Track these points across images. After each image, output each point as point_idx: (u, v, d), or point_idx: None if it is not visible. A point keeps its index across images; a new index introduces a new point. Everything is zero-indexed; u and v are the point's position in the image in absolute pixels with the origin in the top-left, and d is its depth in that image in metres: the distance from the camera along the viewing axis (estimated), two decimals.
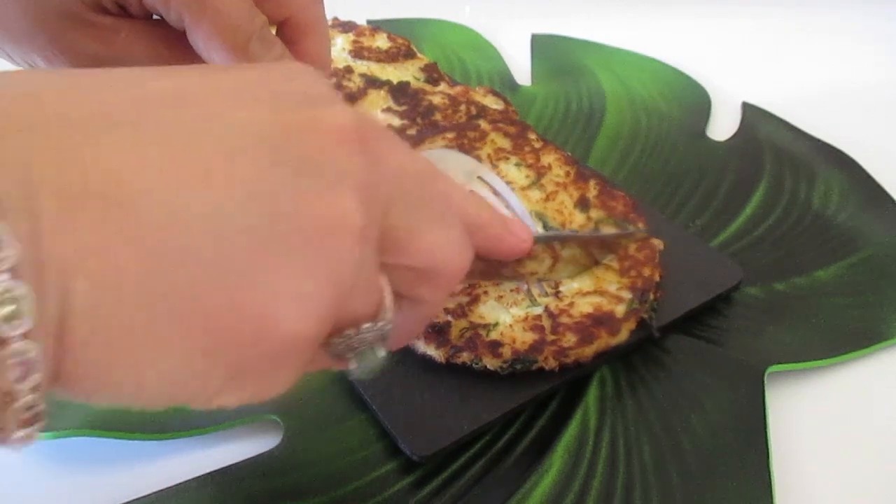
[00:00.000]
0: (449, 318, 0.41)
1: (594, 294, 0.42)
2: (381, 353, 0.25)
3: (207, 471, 0.36)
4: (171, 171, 0.18)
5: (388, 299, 0.24)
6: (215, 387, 0.21)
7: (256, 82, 0.22)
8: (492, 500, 0.36)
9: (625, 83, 0.72)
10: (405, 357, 0.41)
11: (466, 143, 0.52)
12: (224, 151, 0.20)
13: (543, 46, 0.79)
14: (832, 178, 0.58)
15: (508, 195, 0.43)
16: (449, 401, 0.39)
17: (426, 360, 0.40)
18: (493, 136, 0.53)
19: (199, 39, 0.33)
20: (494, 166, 0.51)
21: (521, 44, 0.80)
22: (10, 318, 0.16)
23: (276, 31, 0.37)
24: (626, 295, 0.42)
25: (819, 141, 0.62)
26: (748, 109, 0.67)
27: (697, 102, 0.68)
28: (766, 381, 0.41)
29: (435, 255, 0.25)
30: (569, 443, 0.38)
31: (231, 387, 0.21)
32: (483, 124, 0.55)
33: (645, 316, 0.42)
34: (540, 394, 0.40)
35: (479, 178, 0.43)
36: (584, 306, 0.42)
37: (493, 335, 0.40)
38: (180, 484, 0.36)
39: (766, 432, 0.38)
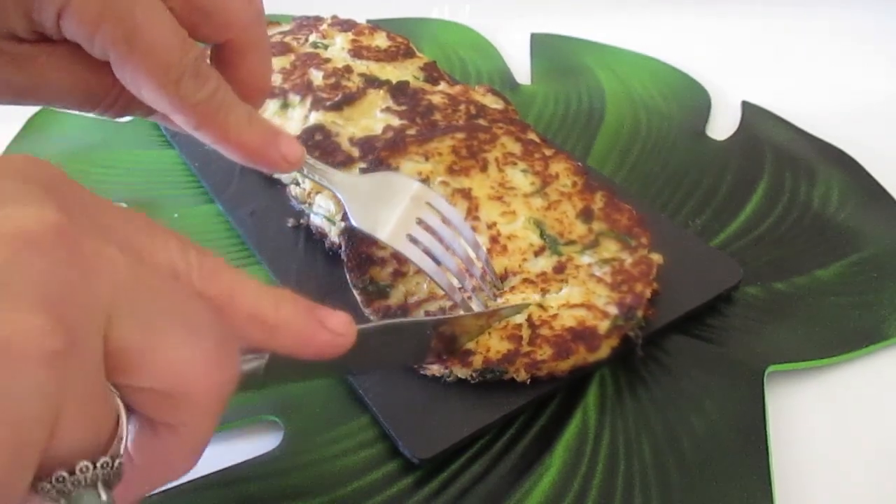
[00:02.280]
0: None
1: (581, 307, 0.41)
2: (104, 496, 0.20)
3: (207, 472, 0.36)
4: None
5: (123, 430, 0.21)
6: None
7: None
8: (492, 499, 0.35)
9: (625, 83, 0.72)
10: None
11: (476, 144, 0.52)
12: None
13: (543, 46, 0.79)
14: (832, 177, 0.58)
15: (459, 223, 0.41)
16: (448, 403, 0.39)
17: None
18: (504, 139, 0.53)
19: (126, 76, 0.30)
20: (500, 170, 0.50)
21: (521, 43, 0.80)
22: None
23: (216, 52, 0.35)
24: (613, 310, 0.41)
25: (819, 141, 0.62)
26: (748, 109, 0.67)
27: (697, 102, 0.68)
28: (766, 381, 0.41)
29: (177, 375, 0.21)
30: (569, 442, 0.38)
31: None
32: (496, 128, 0.54)
33: (630, 334, 0.41)
34: (540, 395, 0.39)
35: (427, 203, 0.40)
36: (568, 319, 0.41)
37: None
38: (180, 485, 0.36)
39: (766, 432, 0.38)
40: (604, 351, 0.40)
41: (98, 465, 0.20)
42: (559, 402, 0.40)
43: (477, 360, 0.39)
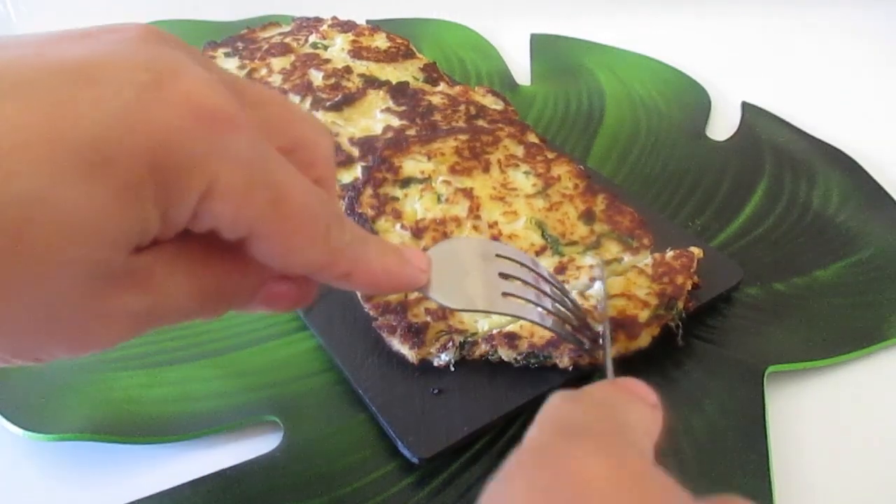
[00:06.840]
0: (428, 318, 0.41)
1: (621, 297, 0.42)
2: None
3: (207, 472, 0.36)
4: None
5: None
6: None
7: None
8: None
9: (625, 83, 0.72)
10: (403, 358, 0.41)
11: (479, 146, 0.52)
12: None
13: (543, 46, 0.79)
14: (832, 178, 0.58)
15: (532, 262, 0.38)
16: (449, 402, 0.39)
17: (425, 362, 0.40)
18: (506, 142, 0.53)
19: (272, 243, 0.26)
20: (503, 171, 0.50)
21: (520, 44, 0.80)
22: None
23: None
24: (653, 300, 0.41)
25: (819, 141, 0.62)
26: (748, 109, 0.67)
27: (697, 102, 0.69)
28: (766, 381, 0.41)
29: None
30: None
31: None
32: (499, 130, 0.54)
33: (671, 324, 0.41)
34: (540, 395, 0.39)
35: (497, 255, 0.37)
36: (608, 309, 0.41)
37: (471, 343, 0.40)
38: (180, 486, 0.36)
39: (766, 432, 0.38)
40: (644, 339, 0.40)
41: None
42: None
43: (522, 344, 0.39)
